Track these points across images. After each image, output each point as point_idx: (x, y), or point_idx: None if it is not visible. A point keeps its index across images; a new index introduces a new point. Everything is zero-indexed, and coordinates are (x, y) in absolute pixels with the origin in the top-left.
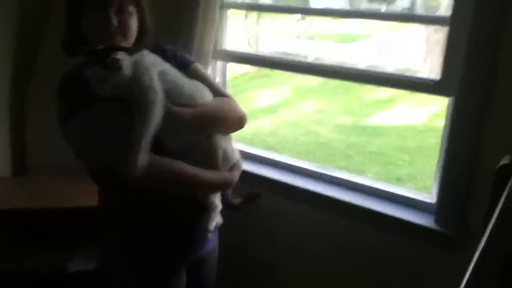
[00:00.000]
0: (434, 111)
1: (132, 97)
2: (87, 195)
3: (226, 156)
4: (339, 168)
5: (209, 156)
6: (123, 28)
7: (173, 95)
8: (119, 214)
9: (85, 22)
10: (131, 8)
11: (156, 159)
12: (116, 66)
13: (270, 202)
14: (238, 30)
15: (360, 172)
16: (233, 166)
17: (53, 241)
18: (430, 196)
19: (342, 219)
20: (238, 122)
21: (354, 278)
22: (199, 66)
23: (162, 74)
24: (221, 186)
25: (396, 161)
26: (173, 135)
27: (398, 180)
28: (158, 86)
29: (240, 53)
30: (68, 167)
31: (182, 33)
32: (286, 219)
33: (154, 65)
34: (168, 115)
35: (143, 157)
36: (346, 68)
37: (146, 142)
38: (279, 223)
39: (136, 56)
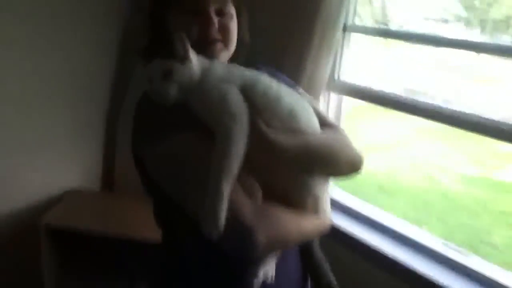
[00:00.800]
0: None
1: (203, 118)
2: None
3: (315, 207)
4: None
5: (296, 201)
6: (225, 33)
7: (267, 113)
8: (173, 259)
9: (175, 27)
10: (232, 10)
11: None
12: (182, 54)
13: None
14: (359, 58)
15: (486, 235)
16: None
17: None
18: None
19: None
20: (352, 165)
21: None
22: (301, 90)
23: (251, 87)
24: (318, 234)
25: None
26: (261, 171)
27: None
28: (237, 104)
29: (358, 86)
30: None
31: (291, 60)
32: None
33: (236, 76)
34: (258, 142)
35: (224, 210)
36: (475, 117)
37: (226, 188)
38: None
39: (209, 62)
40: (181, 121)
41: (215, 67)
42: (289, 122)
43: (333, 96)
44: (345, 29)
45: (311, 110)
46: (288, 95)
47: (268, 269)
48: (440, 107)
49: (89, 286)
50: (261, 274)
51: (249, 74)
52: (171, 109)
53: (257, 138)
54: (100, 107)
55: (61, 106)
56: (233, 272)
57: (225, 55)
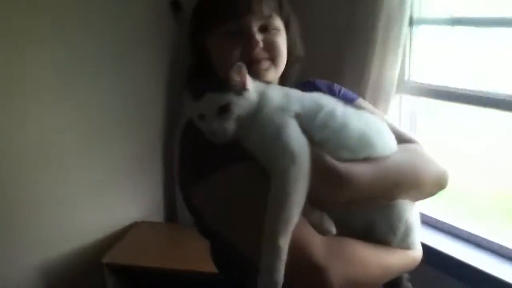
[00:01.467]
0: None
1: (257, 155)
2: None
3: (407, 232)
4: None
5: (379, 235)
6: (272, 50)
7: (333, 144)
8: None
9: (215, 50)
10: (278, 23)
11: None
12: (240, 87)
13: None
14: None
15: None
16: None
17: None
18: None
19: None
20: (437, 183)
21: None
22: (364, 102)
23: (312, 117)
24: (405, 270)
25: None
26: (335, 208)
27: None
28: (295, 141)
29: (432, 86)
30: None
31: (352, 63)
32: None
33: (295, 104)
34: (327, 179)
35: (281, 267)
36: None
37: (284, 242)
38: None
39: (264, 87)
40: (231, 155)
41: (271, 94)
42: (361, 150)
43: (405, 99)
44: (411, 22)
45: (385, 129)
46: (355, 118)
47: None
48: None
49: None
50: None
51: (309, 100)
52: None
53: (325, 174)
54: (156, 138)
55: (118, 141)
56: None
57: (274, 73)
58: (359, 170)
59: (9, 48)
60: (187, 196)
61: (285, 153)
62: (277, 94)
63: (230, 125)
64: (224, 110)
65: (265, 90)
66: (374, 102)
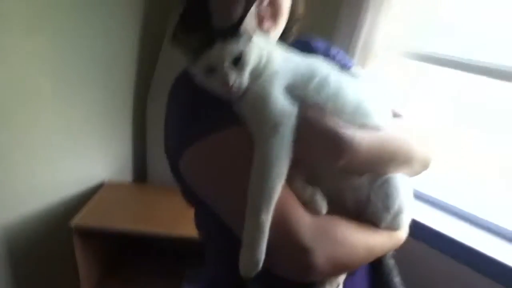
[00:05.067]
0: None
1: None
2: None
3: (400, 211)
4: None
5: (378, 207)
6: (274, 8)
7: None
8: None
9: (214, 5)
10: None
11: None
12: (251, 33)
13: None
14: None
15: None
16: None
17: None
18: None
19: None
20: (423, 163)
21: None
22: (360, 69)
23: (305, 84)
24: (389, 251)
25: None
26: (326, 180)
27: None
28: (279, 111)
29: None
30: None
31: (343, 22)
32: None
33: (290, 70)
34: (324, 143)
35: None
36: None
37: (267, 217)
38: None
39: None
40: (223, 118)
41: (275, 55)
42: (356, 118)
43: (398, 61)
44: None
45: (379, 99)
46: (351, 86)
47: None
48: None
49: (124, 283)
50: None
51: (305, 66)
52: (210, 102)
53: (324, 137)
54: (127, 94)
55: (87, 95)
56: None
57: (273, 33)
58: (359, 135)
59: None
60: (174, 162)
61: (268, 123)
62: (279, 56)
63: (246, 78)
64: (240, 60)
65: (271, 50)
66: (363, 63)
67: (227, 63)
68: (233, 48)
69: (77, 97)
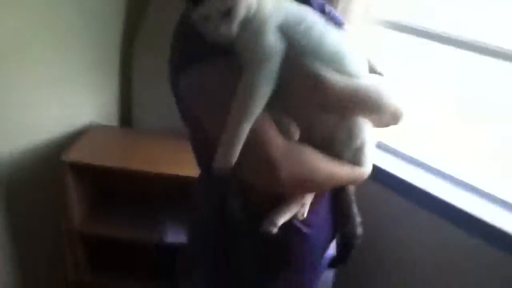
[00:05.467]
0: None
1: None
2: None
3: (360, 149)
4: None
5: (336, 149)
6: None
7: (311, 53)
8: (203, 197)
9: None
10: None
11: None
12: None
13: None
14: None
15: None
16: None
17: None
18: None
19: None
20: (394, 116)
21: None
22: (350, 31)
23: (294, 26)
24: (352, 183)
25: None
26: (302, 116)
27: None
28: (271, 44)
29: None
30: (174, 126)
31: None
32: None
33: (281, 12)
34: (307, 81)
35: (237, 150)
36: None
37: (245, 127)
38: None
39: None
40: (218, 51)
41: (266, 1)
42: (335, 65)
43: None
44: None
45: (359, 54)
46: (334, 36)
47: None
48: None
49: (114, 223)
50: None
51: (295, 10)
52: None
53: (305, 76)
54: (115, 40)
55: (76, 43)
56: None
57: None
58: (334, 76)
59: None
60: (175, 83)
61: (261, 52)
62: (270, 2)
63: (234, 28)
64: (230, 12)
65: None
66: None
67: (218, 15)
68: (225, 1)
69: (64, 45)
